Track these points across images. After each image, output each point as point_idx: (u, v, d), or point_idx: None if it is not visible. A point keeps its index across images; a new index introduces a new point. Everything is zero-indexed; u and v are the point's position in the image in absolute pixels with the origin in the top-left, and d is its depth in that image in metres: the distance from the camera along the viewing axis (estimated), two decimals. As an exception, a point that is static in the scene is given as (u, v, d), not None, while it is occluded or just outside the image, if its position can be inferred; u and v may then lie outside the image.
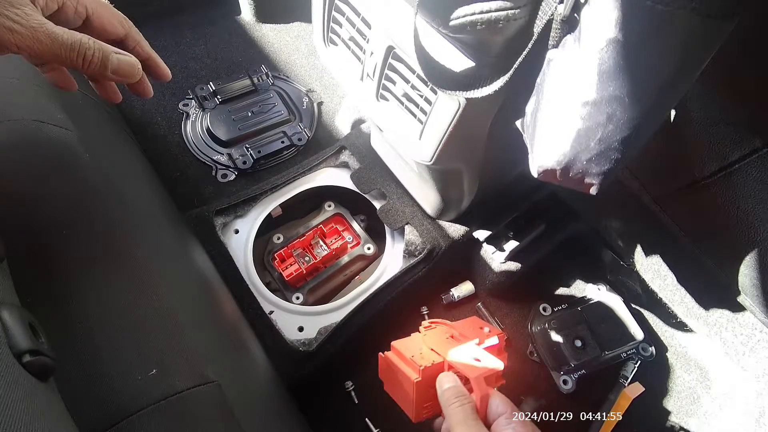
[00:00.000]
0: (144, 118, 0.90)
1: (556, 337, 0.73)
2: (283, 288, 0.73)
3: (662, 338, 0.80)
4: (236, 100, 0.92)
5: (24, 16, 0.31)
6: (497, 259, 0.73)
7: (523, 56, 0.36)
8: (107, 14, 0.39)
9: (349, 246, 0.77)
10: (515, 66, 0.37)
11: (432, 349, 0.49)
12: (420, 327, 0.57)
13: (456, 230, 0.73)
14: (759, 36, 0.39)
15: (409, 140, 0.52)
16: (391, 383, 0.50)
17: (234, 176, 0.85)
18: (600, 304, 0.78)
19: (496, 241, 0.74)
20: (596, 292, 0.79)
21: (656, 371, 0.77)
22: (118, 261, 0.39)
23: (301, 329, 0.67)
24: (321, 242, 0.77)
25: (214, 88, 0.92)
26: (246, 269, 0.70)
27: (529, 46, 0.36)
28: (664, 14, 0.29)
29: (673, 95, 0.34)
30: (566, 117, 0.35)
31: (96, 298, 0.36)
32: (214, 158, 0.86)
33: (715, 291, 0.62)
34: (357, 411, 0.69)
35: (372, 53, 0.50)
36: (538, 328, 0.75)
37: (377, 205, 0.76)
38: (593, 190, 0.39)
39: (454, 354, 0.48)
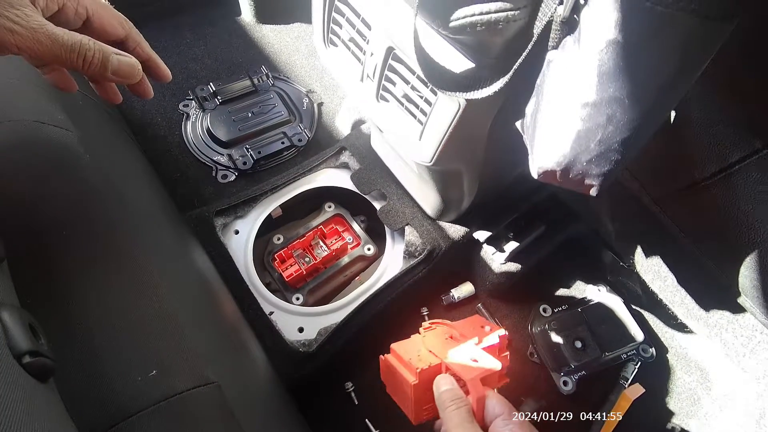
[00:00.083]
0: (144, 118, 0.90)
1: (556, 338, 0.73)
2: (283, 289, 0.73)
3: (662, 339, 0.80)
4: (236, 101, 0.92)
5: (24, 17, 0.31)
6: (497, 260, 0.73)
7: (522, 57, 0.36)
8: (107, 15, 0.39)
9: (349, 247, 0.77)
10: (515, 67, 0.37)
11: (430, 351, 0.49)
12: (420, 328, 0.57)
13: (456, 231, 0.73)
14: (758, 37, 0.39)
15: (409, 141, 0.52)
16: (392, 386, 0.50)
17: (234, 177, 0.85)
18: (600, 305, 0.77)
19: (496, 242, 0.74)
20: (596, 293, 0.79)
21: (656, 372, 0.77)
22: (118, 261, 0.39)
23: (301, 330, 0.67)
24: (321, 243, 0.77)
25: (214, 89, 0.93)
26: (246, 270, 0.70)
27: (529, 47, 0.36)
28: (663, 15, 0.29)
29: (672, 96, 0.34)
30: (566, 118, 0.35)
31: (96, 299, 0.36)
32: (215, 159, 0.86)
33: (716, 292, 0.62)
34: (357, 412, 0.69)
35: (372, 54, 0.50)
36: (538, 329, 0.75)
37: (377, 205, 0.76)
38: (593, 192, 0.39)
39: (452, 355, 0.48)
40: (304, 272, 0.73)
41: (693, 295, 0.66)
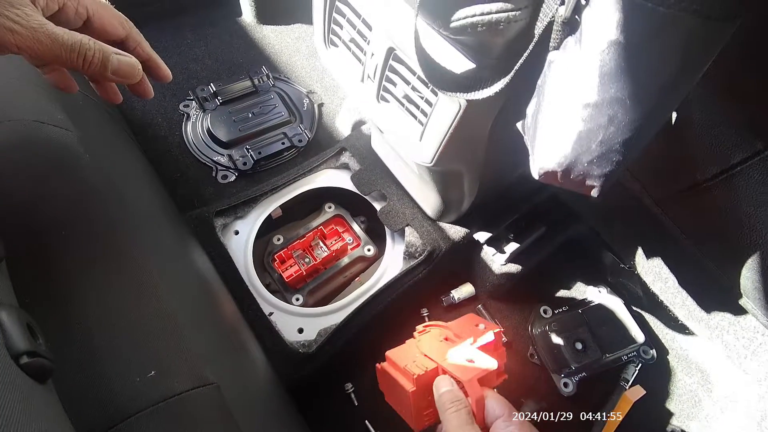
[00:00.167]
0: (144, 119, 0.90)
1: (556, 339, 0.73)
2: (282, 289, 0.73)
3: (663, 341, 0.79)
4: (237, 101, 0.92)
5: (24, 16, 0.31)
6: (498, 261, 0.73)
7: (524, 58, 0.36)
8: (108, 15, 0.39)
9: (349, 247, 0.77)
10: (516, 68, 0.37)
11: (425, 355, 0.49)
12: (414, 332, 0.56)
13: (456, 232, 0.73)
14: (760, 38, 0.39)
15: (410, 142, 0.52)
16: (391, 394, 0.50)
17: (234, 177, 0.85)
18: (601, 307, 0.77)
19: (496, 243, 0.74)
20: (597, 295, 0.79)
21: (657, 374, 0.76)
22: (117, 262, 0.39)
23: (300, 331, 0.67)
24: (321, 243, 0.77)
25: (214, 89, 0.92)
26: (246, 270, 0.70)
27: (530, 47, 0.36)
28: (665, 16, 0.29)
29: (674, 97, 0.34)
30: (567, 119, 0.35)
31: (95, 299, 0.36)
32: (215, 159, 0.86)
33: (717, 294, 0.62)
34: (357, 413, 0.69)
35: (372, 55, 0.50)
36: (539, 330, 0.75)
37: (377, 206, 0.76)
38: (594, 193, 0.39)
39: (447, 357, 0.48)
40: (304, 273, 0.73)
41: (694, 297, 0.66)
